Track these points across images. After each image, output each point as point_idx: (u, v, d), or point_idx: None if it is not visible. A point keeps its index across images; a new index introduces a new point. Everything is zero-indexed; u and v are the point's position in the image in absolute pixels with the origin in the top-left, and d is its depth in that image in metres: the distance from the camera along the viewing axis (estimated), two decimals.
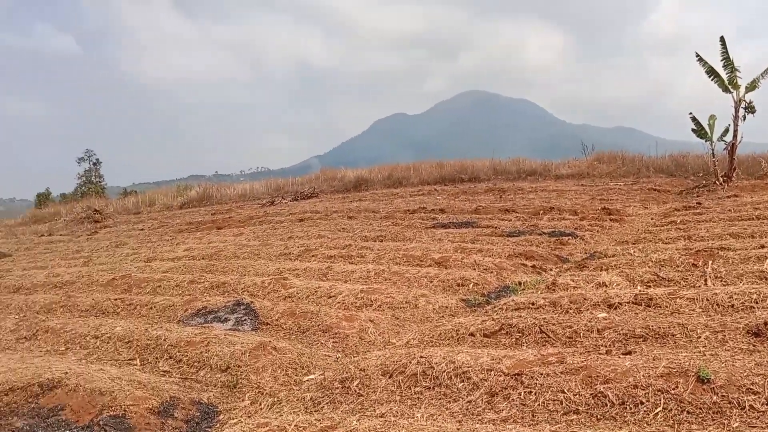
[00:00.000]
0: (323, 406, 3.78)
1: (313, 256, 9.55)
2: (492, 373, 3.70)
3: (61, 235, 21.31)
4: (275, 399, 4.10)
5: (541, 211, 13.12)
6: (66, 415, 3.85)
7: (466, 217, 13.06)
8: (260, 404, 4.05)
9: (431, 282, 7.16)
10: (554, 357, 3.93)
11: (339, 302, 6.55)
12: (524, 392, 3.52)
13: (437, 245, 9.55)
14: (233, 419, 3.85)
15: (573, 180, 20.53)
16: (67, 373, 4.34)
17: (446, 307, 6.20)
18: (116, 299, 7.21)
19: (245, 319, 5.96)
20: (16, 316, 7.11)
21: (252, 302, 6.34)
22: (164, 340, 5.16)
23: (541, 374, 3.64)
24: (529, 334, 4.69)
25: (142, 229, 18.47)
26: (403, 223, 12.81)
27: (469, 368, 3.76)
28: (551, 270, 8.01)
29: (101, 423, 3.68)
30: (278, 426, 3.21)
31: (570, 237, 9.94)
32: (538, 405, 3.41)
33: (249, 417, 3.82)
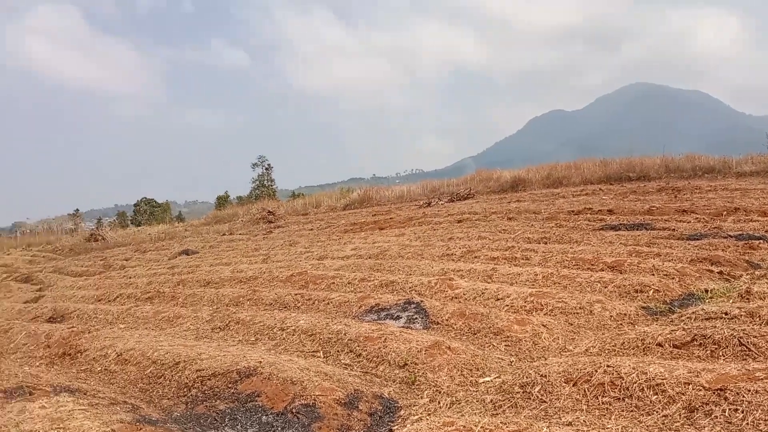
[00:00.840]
0: (505, 410, 3.74)
1: (475, 257, 9.52)
2: (690, 386, 3.42)
3: (240, 234, 23.28)
4: (453, 399, 4.14)
5: (725, 212, 11.94)
6: (262, 401, 4.18)
7: (638, 218, 12.25)
8: (439, 403, 4.11)
9: (605, 287, 6.80)
10: (762, 372, 3.55)
11: (507, 305, 6.45)
12: (729, 409, 3.22)
13: (608, 248, 9.07)
14: (414, 415, 3.94)
15: (758, 178, 18.46)
16: (260, 362, 4.72)
17: (624, 314, 5.86)
18: (296, 294, 7.72)
19: (416, 318, 6.08)
20: (210, 308, 7.88)
21: (422, 301, 6.46)
22: (344, 334, 5.42)
23: (748, 390, 3.30)
24: (727, 347, 4.28)
25: (311, 229, 19.62)
26: (568, 225, 12.32)
27: (663, 380, 3.51)
28: (742, 277, 7.25)
29: (294, 411, 3.95)
30: (464, 426, 3.23)
31: (761, 241, 8.94)
32: (747, 424, 3.09)
33: (430, 415, 3.88)
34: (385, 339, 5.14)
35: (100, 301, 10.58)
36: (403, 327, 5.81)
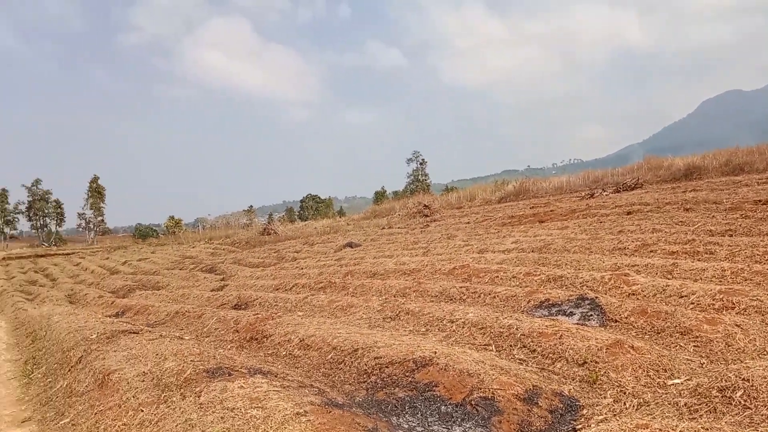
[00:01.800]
0: (702, 415, 3.47)
1: (651, 251, 8.91)
2: None
3: (398, 228, 23.88)
4: (641, 400, 3.91)
5: None
6: (439, 391, 4.25)
7: None
8: (624, 404, 3.91)
9: None
10: None
11: (693, 303, 5.96)
12: None
13: None
14: (598, 415, 3.78)
15: None
16: (435, 352, 4.81)
17: None
18: (460, 287, 7.76)
19: (591, 314, 5.83)
20: (379, 299, 8.17)
21: (596, 298, 6.18)
22: (516, 329, 5.35)
23: None
24: None
25: (467, 223, 19.60)
26: (756, 216, 11.09)
27: None
28: None
29: (473, 403, 3.98)
30: (660, 429, 3.04)
31: None
32: None
33: (616, 416, 3.71)
34: (561, 335, 4.98)
35: (278, 290, 11.42)
36: (578, 324, 5.60)
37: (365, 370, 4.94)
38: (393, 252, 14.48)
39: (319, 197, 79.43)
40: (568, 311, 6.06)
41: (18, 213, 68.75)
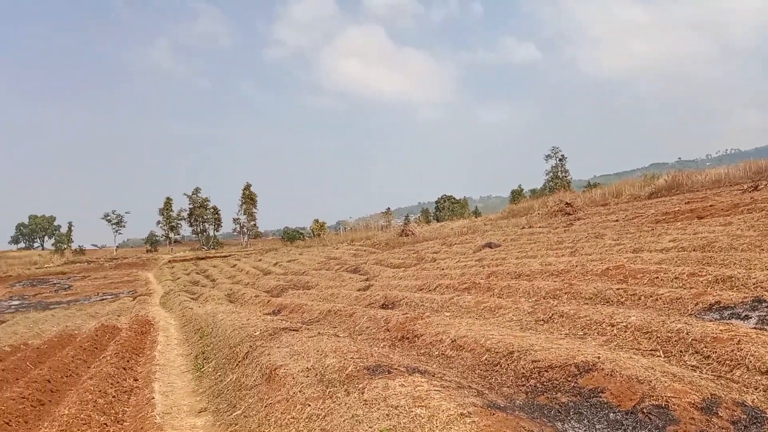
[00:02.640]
0: None
1: None
2: None
3: (539, 227, 23.24)
4: None
5: None
6: (606, 397, 4.09)
7: None
8: None
9: None
10: None
11: None
12: None
13: None
14: None
15: None
16: (598, 357, 4.63)
17: None
18: (617, 289, 7.40)
19: None
20: (528, 300, 8.02)
21: None
22: (686, 333, 5.01)
23: None
24: None
25: (616, 220, 18.63)
26: None
27: None
28: None
29: (644, 411, 3.79)
30: None
31: None
32: None
33: None
34: (738, 341, 4.60)
35: (421, 290, 11.59)
36: (756, 328, 5.13)
37: (523, 373, 4.88)
38: (536, 252, 14.13)
39: (453, 198, 79.41)
40: (743, 314, 5.57)
41: (181, 219, 75.68)
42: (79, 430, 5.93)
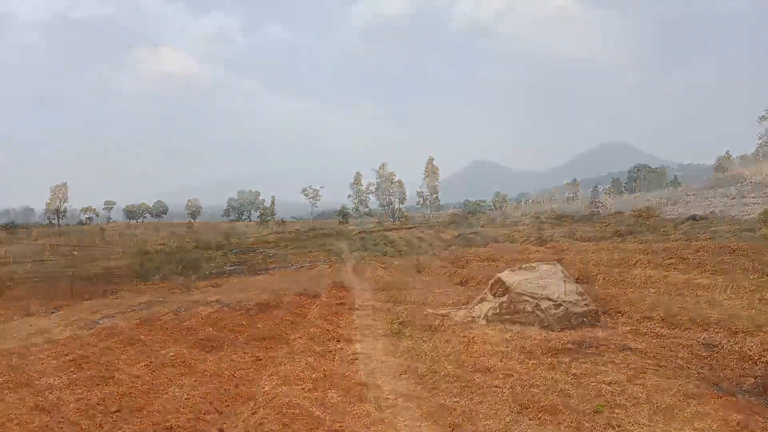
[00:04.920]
0: None
1: None
2: None
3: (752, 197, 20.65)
4: None
5: None
6: None
7: None
8: None
9: None
10: None
11: None
12: None
13: None
14: None
15: None
16: None
17: None
18: None
19: None
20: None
21: None
22: None
23: None
24: None
25: None
26: None
27: None
28: None
29: None
30: None
31: None
32: None
33: None
34: None
35: (620, 265, 10.89)
36: None
37: (750, 356, 4.36)
38: None
39: (648, 167, 73.27)
40: None
41: (369, 193, 79.30)
42: (293, 383, 6.53)
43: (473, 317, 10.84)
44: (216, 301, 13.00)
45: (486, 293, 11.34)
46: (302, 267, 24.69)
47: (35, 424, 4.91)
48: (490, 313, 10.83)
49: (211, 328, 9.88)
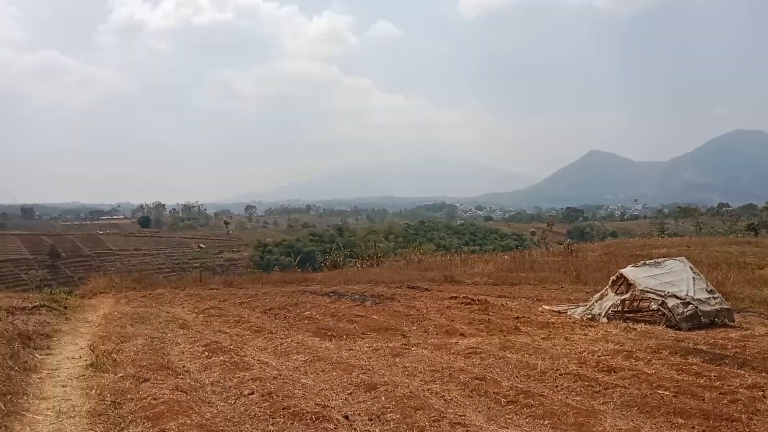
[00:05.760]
0: None
1: None
2: None
3: None
4: None
5: None
6: None
7: None
8: None
9: None
10: None
11: None
12: None
13: None
14: None
15: None
16: None
17: None
18: None
19: None
20: None
21: None
22: None
23: None
24: None
25: None
26: None
27: None
28: None
29: None
30: None
31: None
32: None
33: None
34: None
35: None
36: None
37: None
38: None
39: None
40: None
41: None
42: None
43: (593, 314, 10.49)
44: (332, 292, 13.44)
45: (606, 290, 10.94)
46: (412, 260, 24.93)
47: (177, 402, 5.32)
48: (611, 311, 10.44)
49: (329, 319, 10.24)
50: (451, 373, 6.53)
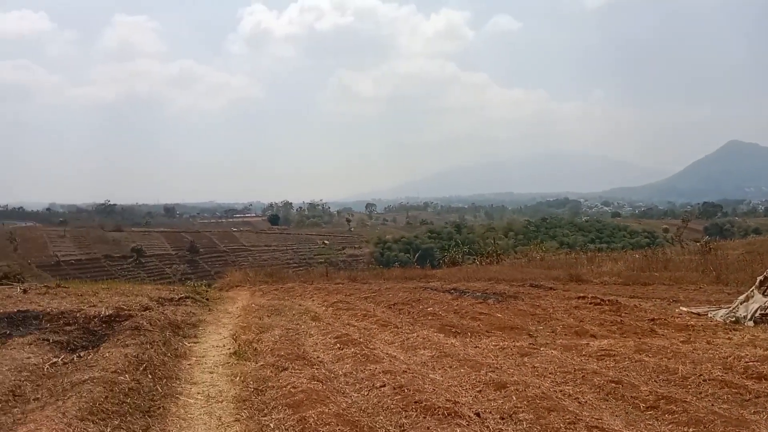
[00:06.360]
0: None
1: None
2: None
3: None
4: None
5: None
6: None
7: None
8: None
9: None
10: None
11: None
12: None
13: None
14: None
15: None
16: None
17: None
18: None
19: None
20: None
21: None
22: None
23: None
24: None
25: None
26: None
27: None
28: None
29: None
30: None
31: None
32: None
33: None
34: None
35: None
36: None
37: None
38: None
39: None
40: None
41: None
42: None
43: (737, 317, 9.73)
44: (453, 289, 13.45)
45: (753, 291, 10.10)
46: (534, 258, 24.35)
47: (315, 391, 5.60)
48: (758, 314, 9.62)
49: (452, 315, 10.26)
50: (584, 375, 6.33)
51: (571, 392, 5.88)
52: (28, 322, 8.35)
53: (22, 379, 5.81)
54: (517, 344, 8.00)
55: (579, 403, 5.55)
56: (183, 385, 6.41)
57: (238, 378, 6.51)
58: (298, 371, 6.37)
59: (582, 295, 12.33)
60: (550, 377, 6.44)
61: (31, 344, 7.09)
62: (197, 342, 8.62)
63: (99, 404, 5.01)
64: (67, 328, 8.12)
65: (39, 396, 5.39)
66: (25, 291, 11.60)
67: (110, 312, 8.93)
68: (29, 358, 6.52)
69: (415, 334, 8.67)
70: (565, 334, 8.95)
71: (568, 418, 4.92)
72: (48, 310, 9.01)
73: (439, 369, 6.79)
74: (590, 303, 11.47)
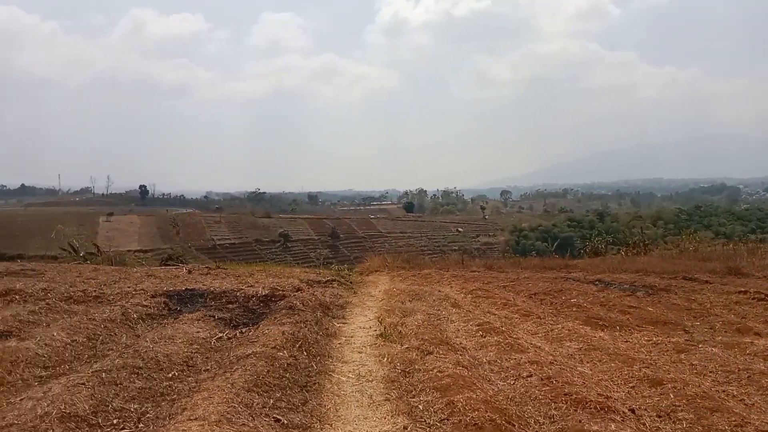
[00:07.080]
0: None
1: None
2: None
3: None
4: None
5: None
6: None
7: None
8: None
9: None
10: None
11: None
12: None
13: None
14: None
15: None
16: None
17: None
18: None
19: None
20: None
21: None
22: None
23: None
24: None
25: None
26: None
27: None
28: None
29: None
30: None
31: None
32: None
33: None
34: None
35: None
36: None
37: None
38: None
39: None
40: None
41: None
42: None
43: None
44: (597, 280, 12.94)
45: None
46: (687, 249, 22.65)
47: (461, 376, 5.70)
48: None
49: (598, 308, 9.90)
50: (749, 376, 5.87)
51: (736, 393, 5.49)
52: (195, 299, 9.29)
53: (194, 351, 6.49)
54: (672, 340, 7.57)
55: (745, 404, 5.18)
56: (335, 363, 6.79)
57: (385, 359, 6.78)
58: (442, 356, 6.51)
59: (743, 289, 11.35)
60: (710, 376, 6.05)
61: (199, 320, 7.88)
62: (345, 323, 9.07)
63: (262, 377, 5.46)
64: (230, 306, 8.93)
65: (209, 367, 5.99)
66: (189, 271, 12.87)
67: (266, 292, 9.64)
68: (198, 332, 7.26)
69: (559, 326, 8.48)
70: (726, 331, 8.33)
71: (734, 420, 4.61)
72: (211, 289, 9.93)
73: (588, 362, 6.62)
74: (753, 298, 10.56)
